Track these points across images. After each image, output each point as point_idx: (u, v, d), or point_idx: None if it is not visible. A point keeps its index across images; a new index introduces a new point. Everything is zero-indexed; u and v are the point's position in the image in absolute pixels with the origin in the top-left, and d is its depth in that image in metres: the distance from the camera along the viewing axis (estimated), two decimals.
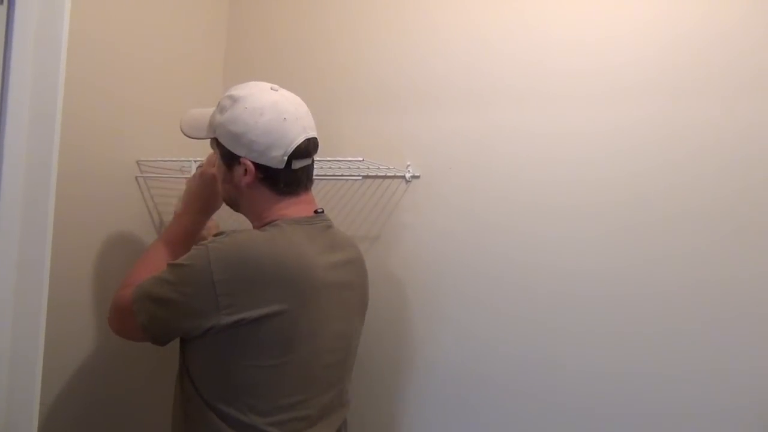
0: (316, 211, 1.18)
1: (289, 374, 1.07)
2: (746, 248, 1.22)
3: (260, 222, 1.15)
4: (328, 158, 1.37)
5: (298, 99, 1.16)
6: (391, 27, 1.54)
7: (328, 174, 1.49)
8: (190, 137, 1.23)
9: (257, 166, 1.11)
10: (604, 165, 1.33)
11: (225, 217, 1.39)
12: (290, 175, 1.13)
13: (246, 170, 1.11)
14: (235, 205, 1.20)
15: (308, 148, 1.14)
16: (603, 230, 1.32)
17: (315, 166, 1.42)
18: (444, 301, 1.46)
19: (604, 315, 1.32)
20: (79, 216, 1.29)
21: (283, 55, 1.67)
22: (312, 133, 1.15)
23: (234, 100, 1.12)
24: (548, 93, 1.38)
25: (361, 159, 1.34)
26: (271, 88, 1.14)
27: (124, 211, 1.43)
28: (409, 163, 1.50)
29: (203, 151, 1.40)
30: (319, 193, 1.57)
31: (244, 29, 1.73)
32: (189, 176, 1.38)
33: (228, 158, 1.14)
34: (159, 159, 1.48)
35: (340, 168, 1.47)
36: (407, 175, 1.49)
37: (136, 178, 1.46)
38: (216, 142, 1.16)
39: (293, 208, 1.14)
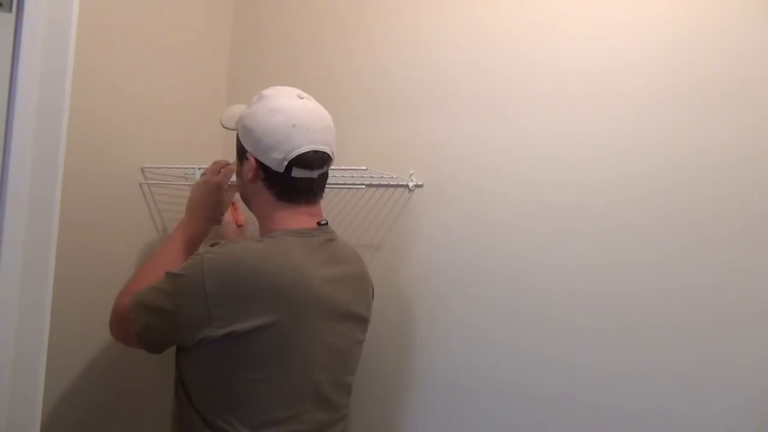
0: (319, 223, 1.17)
1: (280, 388, 1.05)
2: (747, 247, 1.21)
3: (264, 226, 1.15)
4: (332, 167, 1.36)
5: (321, 113, 1.16)
6: (395, 35, 1.55)
7: (331, 182, 1.49)
8: (224, 127, 1.24)
9: (261, 165, 1.12)
10: (609, 171, 1.32)
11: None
12: (289, 182, 1.12)
13: (250, 166, 1.13)
14: (247, 202, 1.22)
15: (312, 160, 1.12)
16: (608, 236, 1.32)
17: None
18: (448, 309, 1.45)
19: (613, 320, 1.30)
20: (83, 222, 1.29)
21: (287, 65, 1.67)
22: (322, 147, 1.13)
23: (260, 97, 1.15)
24: (550, 100, 1.38)
25: (364, 168, 1.34)
26: (298, 96, 1.15)
27: (128, 218, 1.43)
28: (412, 171, 1.50)
29: (207, 159, 1.40)
30: (322, 202, 1.56)
31: (247, 40, 1.74)
32: (193, 183, 1.39)
33: (240, 151, 1.16)
34: (163, 166, 1.48)
35: (343, 176, 1.47)
36: (410, 184, 1.49)
37: (140, 184, 1.46)
38: (237, 135, 1.18)
39: (294, 218, 1.14)
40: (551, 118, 1.37)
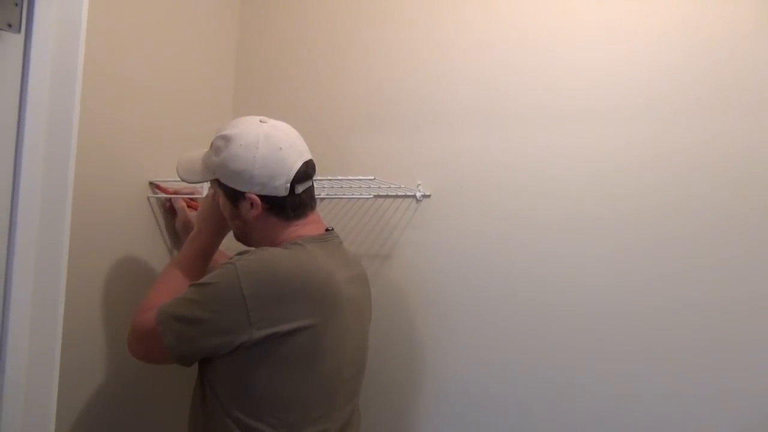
0: (327, 229, 1.21)
1: (317, 387, 1.09)
2: (757, 264, 1.21)
3: (274, 244, 1.15)
4: (340, 177, 1.37)
5: (288, 126, 1.19)
6: (402, 47, 1.55)
7: (339, 193, 1.49)
8: (190, 182, 1.24)
9: (262, 198, 1.13)
10: (615, 182, 1.33)
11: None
12: (295, 200, 1.16)
13: (252, 204, 1.13)
14: (246, 240, 1.22)
15: (307, 171, 1.17)
16: (614, 247, 1.32)
17: (326, 186, 1.44)
18: (455, 319, 1.45)
19: (617, 331, 1.31)
20: (93, 236, 1.30)
21: (294, 76, 1.68)
22: (307, 156, 1.18)
23: (227, 139, 1.13)
24: (558, 112, 1.38)
25: (372, 177, 1.34)
26: (260, 121, 1.16)
27: (137, 231, 1.44)
28: (419, 182, 1.50)
29: None
30: (330, 212, 1.58)
31: (254, 53, 1.74)
32: (201, 197, 1.40)
33: (233, 196, 1.16)
34: (171, 180, 1.49)
35: (351, 187, 1.47)
36: (418, 194, 1.49)
37: (148, 198, 1.47)
38: (218, 183, 1.17)
39: (305, 228, 1.17)
40: (562, 133, 1.38)
